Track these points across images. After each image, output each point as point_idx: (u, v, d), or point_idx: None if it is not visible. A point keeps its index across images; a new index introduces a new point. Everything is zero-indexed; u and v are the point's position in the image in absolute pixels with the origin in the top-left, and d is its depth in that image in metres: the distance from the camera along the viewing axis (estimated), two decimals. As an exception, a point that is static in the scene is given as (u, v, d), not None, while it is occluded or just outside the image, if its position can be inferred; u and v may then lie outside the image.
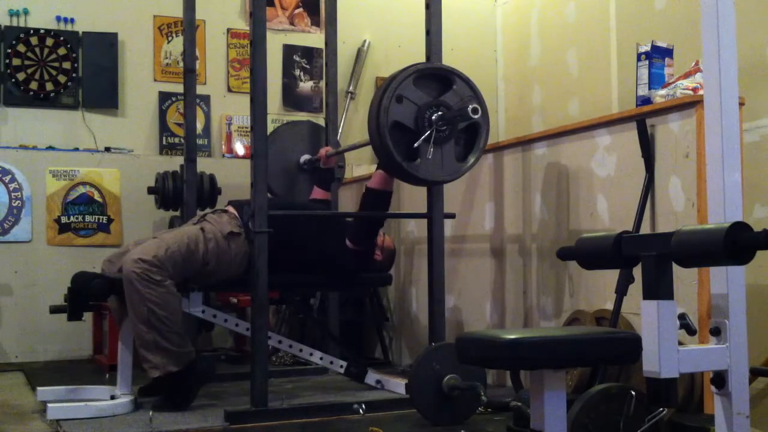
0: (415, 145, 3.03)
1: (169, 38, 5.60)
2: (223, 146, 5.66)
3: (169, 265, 3.33)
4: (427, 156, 3.04)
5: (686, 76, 3.21)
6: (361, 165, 5.52)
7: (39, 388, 3.65)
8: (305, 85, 5.88)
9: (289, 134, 4.29)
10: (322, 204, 4.10)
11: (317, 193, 4.11)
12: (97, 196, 5.28)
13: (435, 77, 3.15)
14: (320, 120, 5.59)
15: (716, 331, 1.85)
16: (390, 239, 3.95)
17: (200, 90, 5.24)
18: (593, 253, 1.93)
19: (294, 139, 4.22)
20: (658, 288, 1.71)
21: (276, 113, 5.68)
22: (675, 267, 1.73)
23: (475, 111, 3.06)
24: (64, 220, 5.20)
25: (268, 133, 4.75)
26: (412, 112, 3.05)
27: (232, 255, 3.48)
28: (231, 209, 3.64)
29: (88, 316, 4.68)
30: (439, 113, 3.05)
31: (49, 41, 5.28)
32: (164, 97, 5.56)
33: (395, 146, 3.03)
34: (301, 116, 5.81)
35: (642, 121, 3.12)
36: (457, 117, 3.06)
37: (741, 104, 2.17)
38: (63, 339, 5.07)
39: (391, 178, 3.48)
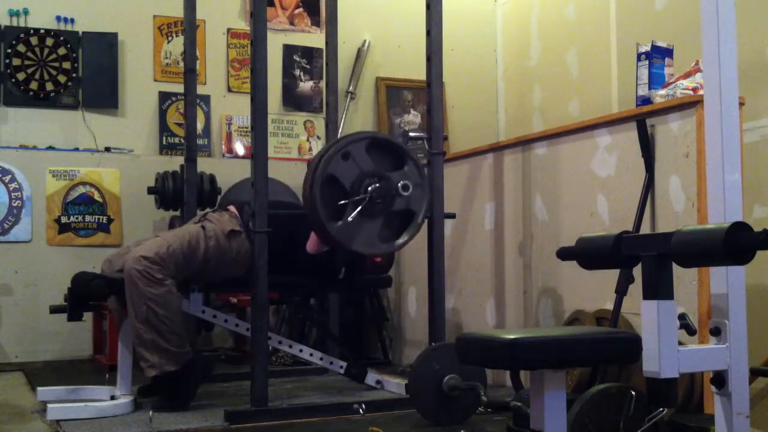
0: (341, 202, 3.01)
1: (169, 38, 5.59)
2: (223, 146, 5.66)
3: (170, 263, 3.33)
4: (348, 219, 3.01)
5: (686, 76, 3.21)
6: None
7: (39, 388, 3.65)
8: (305, 85, 5.88)
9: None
10: None
11: None
12: (97, 196, 5.28)
13: (389, 151, 3.14)
14: (320, 119, 5.60)
15: (716, 331, 1.85)
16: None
17: (200, 90, 5.23)
18: (593, 253, 1.93)
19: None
20: (658, 288, 1.71)
21: (276, 113, 5.68)
22: (675, 267, 1.73)
23: (405, 188, 3.05)
24: (64, 220, 5.20)
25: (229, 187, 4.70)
26: (353, 173, 3.03)
27: (233, 253, 3.49)
28: (232, 209, 3.65)
29: (88, 316, 4.68)
30: (377, 185, 3.04)
31: (49, 41, 5.28)
32: (164, 97, 5.55)
33: (323, 199, 3.00)
34: (301, 116, 5.82)
35: (642, 121, 3.13)
36: (389, 191, 3.04)
37: (741, 104, 2.17)
38: (63, 339, 5.07)
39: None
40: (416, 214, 3.15)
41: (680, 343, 1.75)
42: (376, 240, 3.11)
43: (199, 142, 5.20)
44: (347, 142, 3.03)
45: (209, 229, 3.49)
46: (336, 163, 2.99)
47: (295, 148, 5.77)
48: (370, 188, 3.02)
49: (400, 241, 3.16)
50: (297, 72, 5.86)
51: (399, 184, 3.03)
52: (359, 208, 3.01)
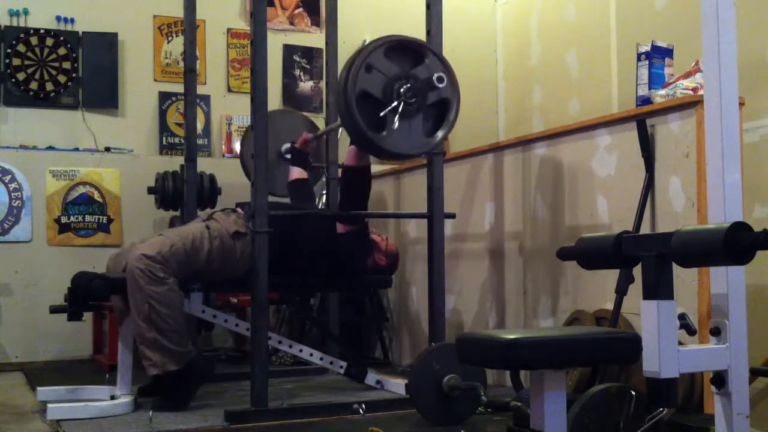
0: (381, 114, 2.99)
1: (169, 38, 5.59)
2: (223, 146, 5.66)
3: (172, 262, 3.33)
4: (392, 127, 3.01)
5: (686, 76, 3.21)
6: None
7: (39, 388, 3.65)
8: (305, 85, 5.88)
9: (270, 124, 4.22)
10: (304, 183, 4.07)
11: (295, 173, 4.05)
12: (97, 196, 5.28)
13: (406, 50, 3.10)
14: (320, 120, 5.60)
15: (716, 331, 1.85)
16: (393, 243, 3.93)
17: (200, 90, 5.23)
18: (593, 253, 1.93)
19: (274, 129, 4.15)
20: (658, 288, 1.71)
21: (276, 113, 5.68)
22: (675, 267, 1.73)
23: (440, 80, 3.03)
24: (64, 220, 5.20)
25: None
26: (380, 82, 3.00)
27: (237, 254, 3.48)
28: (239, 210, 3.65)
29: (88, 316, 4.68)
30: (407, 85, 3.03)
31: (49, 41, 5.28)
32: (164, 97, 5.56)
33: (361, 115, 2.98)
34: (301, 116, 5.82)
35: (642, 121, 3.13)
36: (424, 87, 3.03)
37: (741, 104, 2.17)
38: (63, 339, 5.07)
39: (364, 153, 3.42)
40: (450, 102, 3.13)
41: (680, 343, 1.75)
42: (423, 137, 3.11)
43: (199, 142, 5.20)
44: (366, 54, 3.01)
45: (214, 228, 3.49)
46: (362, 78, 2.98)
47: (295, 148, 5.77)
48: (401, 90, 3.02)
49: (441, 133, 3.13)
50: (297, 72, 5.86)
51: (434, 77, 3.03)
52: (398, 113, 3.01)
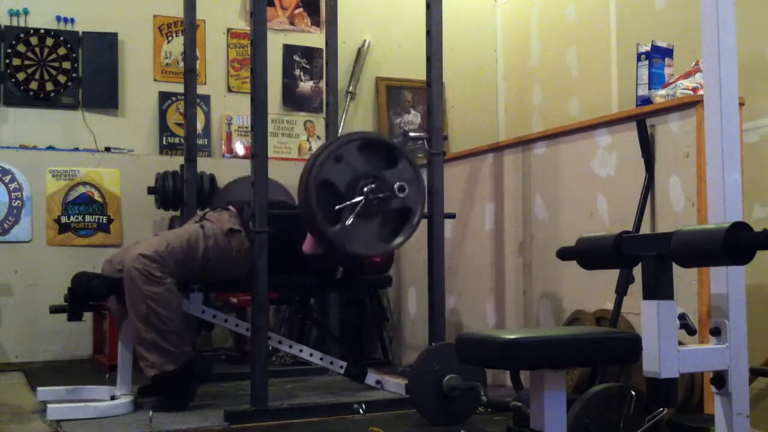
0: (337, 207, 2.98)
1: (169, 38, 5.59)
2: (223, 146, 5.66)
3: (170, 261, 3.33)
4: (346, 223, 2.99)
5: (686, 76, 3.21)
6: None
7: (39, 388, 3.65)
8: (305, 85, 5.88)
9: (243, 187, 3.93)
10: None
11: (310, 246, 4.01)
12: (97, 196, 5.28)
13: (381, 150, 3.10)
14: (320, 119, 5.61)
15: (716, 331, 1.85)
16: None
17: (200, 90, 5.23)
18: (593, 253, 1.93)
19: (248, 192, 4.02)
20: (658, 288, 1.71)
21: (276, 113, 5.68)
22: (675, 267, 1.73)
23: (401, 189, 3.03)
24: (64, 220, 5.20)
25: (224, 185, 4.67)
26: (347, 175, 3.00)
27: (233, 252, 3.49)
28: (232, 208, 3.65)
29: (88, 316, 4.68)
30: (373, 186, 3.01)
31: (49, 41, 5.28)
32: (164, 97, 5.55)
33: (319, 204, 2.97)
34: (301, 116, 5.82)
35: (642, 121, 3.13)
36: (387, 194, 3.02)
37: (741, 104, 2.17)
38: (63, 339, 5.07)
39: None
40: (413, 212, 3.14)
41: (680, 343, 1.75)
42: (375, 240, 3.10)
43: (199, 142, 5.20)
44: (339, 144, 3.00)
45: (208, 228, 3.50)
46: (329, 167, 2.97)
47: (295, 148, 5.77)
48: (365, 189, 3.01)
49: (398, 240, 3.15)
50: (297, 72, 5.86)
51: (396, 186, 3.02)
52: (356, 210, 2.99)
